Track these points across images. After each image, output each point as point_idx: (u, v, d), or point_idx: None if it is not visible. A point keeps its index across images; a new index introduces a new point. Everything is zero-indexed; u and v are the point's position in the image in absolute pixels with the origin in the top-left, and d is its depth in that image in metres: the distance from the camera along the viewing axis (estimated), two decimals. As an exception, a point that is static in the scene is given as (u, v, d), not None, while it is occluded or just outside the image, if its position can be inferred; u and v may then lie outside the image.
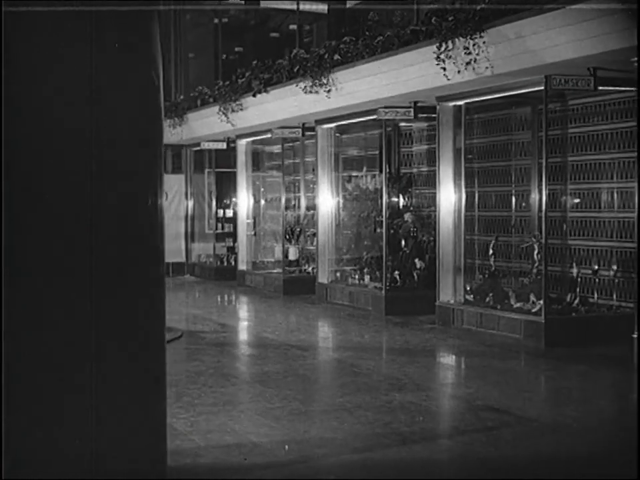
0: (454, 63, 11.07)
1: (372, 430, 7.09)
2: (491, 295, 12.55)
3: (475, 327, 12.27)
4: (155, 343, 4.93)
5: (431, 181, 14.96)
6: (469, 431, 7.19)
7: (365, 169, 16.58)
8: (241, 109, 17.12)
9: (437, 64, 11.25)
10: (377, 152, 16.70)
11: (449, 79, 11.28)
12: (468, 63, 10.89)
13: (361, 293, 15.09)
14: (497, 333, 11.81)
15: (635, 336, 9.80)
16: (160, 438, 5.22)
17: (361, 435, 6.97)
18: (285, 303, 16.22)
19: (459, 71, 11.09)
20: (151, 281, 4.91)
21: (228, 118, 17.53)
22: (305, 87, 14.41)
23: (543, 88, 10.99)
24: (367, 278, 15.38)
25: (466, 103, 12.86)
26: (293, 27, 21.66)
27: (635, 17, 8.47)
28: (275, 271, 18.40)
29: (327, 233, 16.47)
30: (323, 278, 16.35)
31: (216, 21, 22.15)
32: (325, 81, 13.96)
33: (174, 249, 22.23)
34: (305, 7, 21.66)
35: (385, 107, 13.79)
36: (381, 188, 14.91)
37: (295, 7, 20.34)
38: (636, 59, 9.19)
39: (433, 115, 13.44)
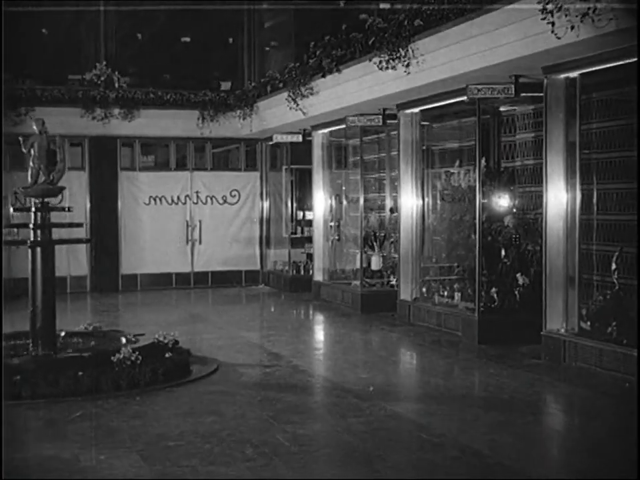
0: (566, 15, 8.20)
1: None
2: (614, 323, 9.61)
3: (594, 367, 9.36)
4: None
5: (538, 176, 12.05)
6: None
7: (457, 163, 13.76)
8: (311, 94, 14.54)
9: (543, 18, 8.41)
10: (473, 143, 13.82)
11: (558, 38, 8.40)
12: (584, 15, 8.01)
13: (450, 315, 12.31)
14: (623, 376, 8.87)
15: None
16: None
17: None
18: (360, 323, 13.55)
19: (572, 27, 8.20)
20: None
21: (297, 105, 14.96)
22: (381, 61, 11.73)
23: (690, 46, 8.02)
24: (457, 295, 12.58)
25: (581, 75, 9.92)
26: (385, 6, 18.97)
27: None
28: (354, 283, 15.71)
29: (410, 239, 13.72)
30: (405, 294, 13.61)
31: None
32: (402, 53, 11.25)
33: (247, 256, 19.86)
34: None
35: (478, 84, 10.99)
36: (477, 185, 12.10)
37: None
38: None
39: (540, 94, 10.57)
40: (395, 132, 14.61)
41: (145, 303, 17.21)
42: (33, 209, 9.65)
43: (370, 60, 12.13)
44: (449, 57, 10.63)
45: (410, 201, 13.71)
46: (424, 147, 14.36)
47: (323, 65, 13.77)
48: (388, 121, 14.46)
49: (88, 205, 18.65)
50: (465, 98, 11.52)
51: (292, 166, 19.37)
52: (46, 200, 9.80)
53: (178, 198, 19.31)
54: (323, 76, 13.75)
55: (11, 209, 10.09)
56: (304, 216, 20.07)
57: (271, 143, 18.98)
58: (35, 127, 9.91)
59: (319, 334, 13.45)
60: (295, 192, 20.34)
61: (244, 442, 6.78)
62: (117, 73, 18.32)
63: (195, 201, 19.41)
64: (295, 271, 18.59)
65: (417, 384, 9.34)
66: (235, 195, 19.71)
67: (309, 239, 18.49)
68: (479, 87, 10.94)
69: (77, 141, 18.68)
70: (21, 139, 9.92)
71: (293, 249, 19.04)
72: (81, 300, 17.54)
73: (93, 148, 18.69)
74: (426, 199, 13.99)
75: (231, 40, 20.92)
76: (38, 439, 7.09)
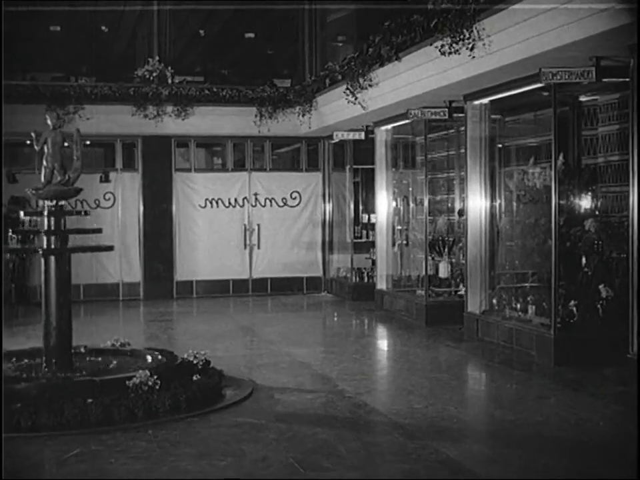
0: (657, -24, 6.80)
1: None
2: None
3: (691, 398, 7.86)
4: None
5: (624, 174, 10.57)
6: None
7: (532, 160, 12.33)
8: (370, 85, 13.27)
9: (629, -18, 7.02)
10: (550, 137, 12.33)
11: (648, 5, 7.00)
12: (681, -25, 6.60)
13: (523, 331, 10.90)
14: None
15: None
16: None
17: None
18: (424, 338, 12.22)
19: (665, -9, 6.81)
20: None
21: (356, 98, 13.72)
22: (443, 45, 10.40)
23: None
24: (531, 309, 11.17)
25: (677, 53, 8.46)
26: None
27: None
28: (419, 292, 14.33)
29: (479, 245, 12.37)
30: (473, 305, 12.25)
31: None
32: (466, 34, 9.91)
33: (308, 261, 18.67)
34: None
35: (553, 67, 9.56)
36: (553, 185, 10.68)
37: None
38: None
39: (626, 79, 9.11)
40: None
41: (198, 311, 16.21)
42: (46, 213, 8.59)
43: (431, 44, 10.84)
44: (519, 37, 9.24)
45: (478, 203, 12.36)
46: (499, 145, 13.02)
47: (382, 52, 12.50)
48: (455, 115, 13.11)
49: (141, 208, 17.75)
50: (539, 85, 10.13)
51: (356, 165, 18.04)
52: (60, 203, 8.69)
53: (235, 200, 18.25)
54: (381, 65, 12.50)
55: (22, 213, 9.04)
56: (369, 219, 18.77)
57: (333, 141, 17.77)
58: (48, 121, 8.87)
59: (375, 351, 12.11)
60: (360, 193, 19.09)
61: (257, 497, 5.57)
62: (169, 68, 17.33)
63: (254, 204, 18.33)
64: (358, 278, 17.34)
65: (479, 417, 7.96)
66: (295, 197, 18.56)
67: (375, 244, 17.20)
68: (554, 70, 9.51)
69: (130, 140, 17.82)
70: (33, 134, 8.89)
71: (358, 254, 17.77)
72: (132, 308, 16.64)
73: (146, 148, 17.79)
74: (497, 201, 12.61)
75: (291, 36, 19.75)
76: (17, 486, 6.01)
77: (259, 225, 18.29)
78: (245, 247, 18.28)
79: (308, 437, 7.05)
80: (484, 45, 9.80)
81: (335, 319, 15.22)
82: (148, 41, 18.46)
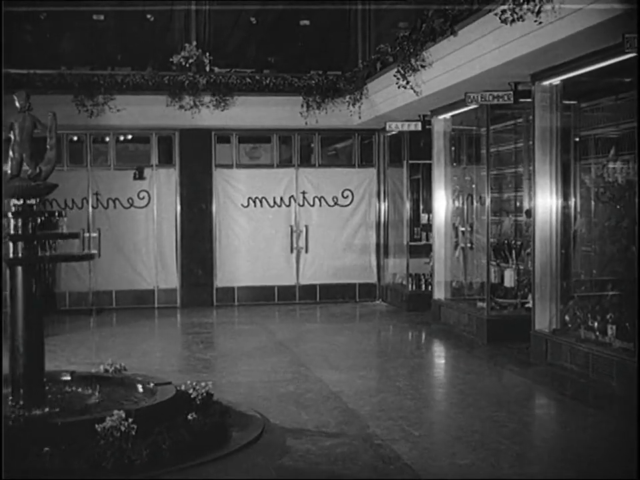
0: None
1: None
2: None
3: None
4: None
5: None
6: None
7: (612, 151, 10.45)
8: (422, 66, 11.53)
9: None
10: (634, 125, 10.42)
11: None
12: None
13: (601, 357, 9.04)
14: None
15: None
16: None
17: None
18: (483, 360, 10.45)
19: None
20: None
21: (408, 82, 11.99)
22: (504, 11, 8.62)
23: None
24: (610, 329, 9.29)
25: None
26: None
27: None
28: (480, 304, 12.52)
29: (549, 251, 10.51)
30: (542, 322, 10.41)
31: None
32: (531, -5, 8.11)
33: (361, 266, 17.00)
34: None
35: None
36: (638, 181, 8.90)
37: None
38: None
39: None
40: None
41: (236, 322, 14.77)
42: (10, 214, 7.07)
43: (490, 11, 9.06)
44: None
45: (549, 202, 10.53)
46: (575, 136, 11.19)
47: (435, 26, 10.74)
48: (521, 100, 11.26)
49: (178, 208, 16.35)
50: (621, 57, 8.27)
51: (415, 161, 16.17)
52: (29, 202, 7.15)
53: (281, 199, 16.69)
54: (433, 39, 10.74)
55: (-18, 214, 7.47)
56: (429, 219, 16.97)
57: (387, 133, 16.03)
58: (16, 103, 7.35)
59: (423, 377, 10.22)
60: (421, 191, 17.29)
61: None
62: (207, 54, 15.80)
63: (301, 203, 16.74)
64: (414, 286, 15.56)
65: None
66: (347, 196, 16.91)
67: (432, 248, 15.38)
68: (643, 36, 7.64)
69: (166, 134, 16.39)
70: (-6, 119, 7.38)
71: (416, 258, 15.95)
72: (165, 317, 15.22)
73: (184, 142, 16.35)
74: (571, 199, 10.77)
75: (345, 24, 18.01)
76: None
77: (306, 226, 16.70)
78: (292, 251, 16.70)
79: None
80: (552, 7, 7.99)
81: (385, 334, 13.51)
82: (186, 28, 16.93)
